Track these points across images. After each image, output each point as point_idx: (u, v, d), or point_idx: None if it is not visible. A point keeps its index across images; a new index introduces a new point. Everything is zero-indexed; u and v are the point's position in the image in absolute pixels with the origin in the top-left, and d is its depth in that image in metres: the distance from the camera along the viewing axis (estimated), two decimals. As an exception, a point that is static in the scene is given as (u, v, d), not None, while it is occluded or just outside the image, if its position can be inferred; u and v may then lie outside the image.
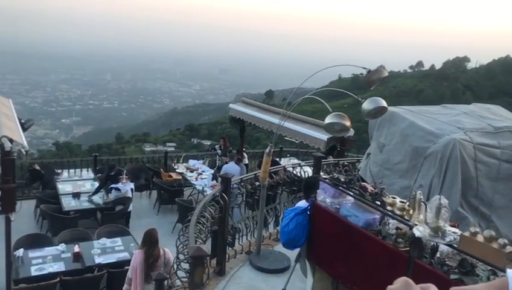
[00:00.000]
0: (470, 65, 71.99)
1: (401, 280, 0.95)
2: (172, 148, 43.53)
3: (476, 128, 5.43)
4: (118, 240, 7.48)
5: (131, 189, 9.82)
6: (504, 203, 5.19)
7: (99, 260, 6.79)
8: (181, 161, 12.62)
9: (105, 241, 7.34)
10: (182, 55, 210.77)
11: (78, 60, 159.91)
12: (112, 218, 9.03)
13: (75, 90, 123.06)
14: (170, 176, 11.56)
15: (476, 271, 2.79)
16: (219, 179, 8.04)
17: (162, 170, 12.03)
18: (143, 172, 12.15)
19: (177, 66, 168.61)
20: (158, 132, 67.82)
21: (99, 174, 11.02)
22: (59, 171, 11.36)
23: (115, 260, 6.87)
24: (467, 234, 2.82)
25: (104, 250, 7.11)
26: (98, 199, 9.59)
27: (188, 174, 11.41)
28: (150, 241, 5.23)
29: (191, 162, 12.39)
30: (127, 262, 6.95)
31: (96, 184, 10.03)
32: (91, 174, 11.38)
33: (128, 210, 9.42)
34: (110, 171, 9.65)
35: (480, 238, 2.75)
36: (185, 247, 4.72)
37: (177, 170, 11.86)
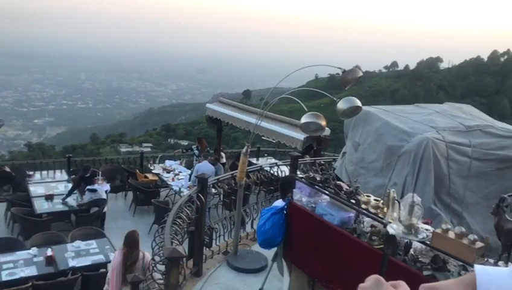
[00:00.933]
0: (443, 65, 73.86)
1: (373, 278, 0.95)
2: (149, 149, 43.07)
3: (448, 127, 5.56)
4: (93, 243, 7.34)
5: (107, 190, 9.66)
6: (475, 200, 5.33)
7: (73, 263, 6.64)
8: (157, 162, 12.48)
9: (80, 244, 7.18)
10: (158, 54, 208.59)
11: (52, 59, 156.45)
12: (87, 220, 8.85)
13: (48, 90, 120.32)
14: (146, 177, 11.41)
15: (448, 267, 2.85)
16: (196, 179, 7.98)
17: (137, 171, 11.87)
18: (118, 173, 11.95)
19: (153, 66, 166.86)
20: (134, 133, 66.97)
21: (73, 176, 10.78)
22: (31, 173, 11.07)
23: (89, 263, 6.74)
24: (438, 231, 2.88)
25: (78, 253, 6.96)
26: (72, 201, 9.38)
27: (165, 175, 11.29)
28: (131, 243, 5.20)
29: (168, 162, 12.25)
30: (102, 265, 6.84)
31: (70, 186, 9.82)
32: (65, 176, 11.13)
33: (103, 212, 9.26)
34: (84, 172, 9.46)
35: (451, 234, 2.81)
36: (160, 248, 4.67)
37: (153, 171, 11.71)
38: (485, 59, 70.04)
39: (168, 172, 11.41)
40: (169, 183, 10.78)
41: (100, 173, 10.08)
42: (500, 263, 2.70)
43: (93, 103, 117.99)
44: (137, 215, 10.35)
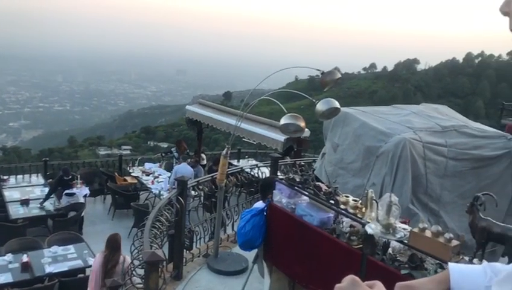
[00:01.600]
0: (420, 67, 75.23)
1: (349, 278, 0.96)
2: (128, 152, 42.52)
3: (424, 127, 5.66)
4: (71, 248, 7.20)
5: (86, 194, 9.51)
6: (451, 199, 5.43)
7: (50, 269, 6.50)
8: (136, 165, 12.34)
9: (57, 250, 7.04)
10: (137, 56, 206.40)
11: (27, 61, 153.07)
12: (64, 225, 8.68)
13: (23, 93, 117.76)
14: (125, 180, 11.27)
15: (425, 265, 2.89)
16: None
17: (116, 174, 11.71)
18: (97, 176, 11.77)
19: (132, 67, 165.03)
20: (113, 135, 66.12)
21: (50, 180, 10.57)
22: (5, 177, 10.79)
23: (67, 269, 6.61)
24: (416, 230, 2.92)
25: (56, 258, 6.82)
26: (49, 205, 9.19)
27: (144, 177, 11.16)
28: (112, 246, 5.21)
29: (147, 165, 12.13)
30: (80, 270, 6.72)
31: (47, 190, 9.62)
32: (41, 180, 10.90)
33: (81, 216, 9.10)
34: (65, 175, 9.27)
35: (428, 233, 2.86)
36: (139, 252, 4.61)
37: (132, 174, 11.57)
38: (460, 61, 71.73)
39: (148, 175, 11.29)
40: (148, 186, 10.67)
41: (79, 176, 9.92)
42: (474, 260, 2.76)
43: (71, 105, 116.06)
44: (116, 219, 10.21)
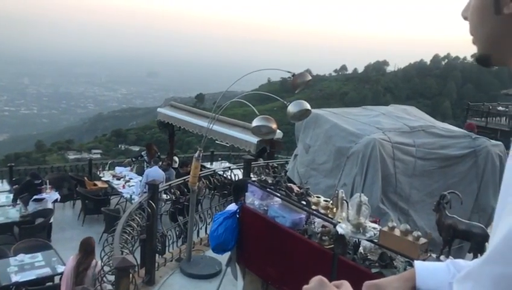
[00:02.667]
0: (389, 69, 76.95)
1: (316, 279, 0.96)
2: (98, 155, 41.67)
3: (393, 128, 5.78)
4: (38, 255, 6.98)
5: (57, 199, 9.27)
6: (420, 198, 5.55)
7: (16, 278, 6.27)
8: (107, 169, 12.10)
9: (24, 258, 6.81)
10: (107, 58, 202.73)
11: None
12: (31, 232, 8.41)
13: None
14: (95, 185, 11.03)
15: (395, 263, 2.95)
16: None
17: (86, 178, 11.45)
18: (66, 181, 11.46)
19: (102, 70, 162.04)
20: (82, 139, 64.70)
21: (16, 186, 10.23)
22: (-33, 184, 10.40)
23: (34, 277, 6.39)
24: (385, 229, 2.97)
25: (22, 267, 6.59)
26: (14, 212, 8.87)
27: (115, 182, 10.95)
28: (85, 249, 5.21)
29: (118, 169, 11.90)
30: (48, 278, 6.52)
31: (12, 197, 9.30)
32: (6, 186, 10.54)
33: (50, 222, 8.84)
34: (34, 179, 8.99)
35: (397, 232, 2.91)
36: (109, 258, 4.52)
37: (103, 178, 11.34)
38: (428, 62, 73.75)
39: (119, 179, 11.09)
40: (119, 190, 10.48)
41: (48, 181, 9.65)
42: (442, 257, 2.83)
43: (38, 109, 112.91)
44: (86, 224, 9.97)
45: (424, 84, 65.85)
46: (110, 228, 7.24)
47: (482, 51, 0.84)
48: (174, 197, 6.43)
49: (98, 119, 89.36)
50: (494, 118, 17.72)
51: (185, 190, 6.28)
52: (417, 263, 1.06)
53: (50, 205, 9.05)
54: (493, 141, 6.09)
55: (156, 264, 5.57)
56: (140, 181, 10.15)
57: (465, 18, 0.85)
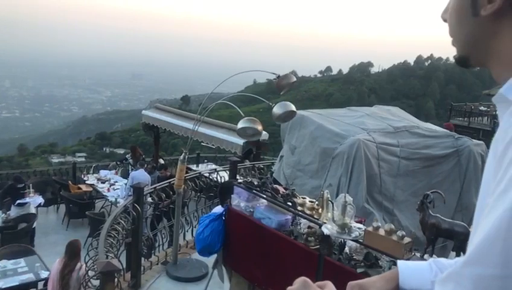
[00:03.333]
0: (374, 70, 77.64)
1: (300, 280, 0.97)
2: (83, 159, 41.16)
3: (377, 128, 5.83)
4: (21, 261, 6.85)
5: (40, 203, 9.13)
6: (404, 198, 5.61)
7: (-2, 284, 6.16)
8: (91, 172, 11.96)
9: (6, 264, 6.68)
10: (91, 60, 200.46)
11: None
12: (14, 237, 8.26)
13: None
14: (80, 188, 10.89)
15: (380, 263, 2.97)
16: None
17: (70, 182, 11.30)
18: (49, 185, 11.31)
19: (86, 72, 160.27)
20: (66, 142, 63.86)
21: (-2, 190, 10.04)
22: None
23: (17, 283, 6.28)
24: (370, 229, 2.99)
25: (5, 273, 6.47)
26: (-4, 217, 8.72)
27: (99, 185, 10.83)
28: (71, 251, 5.16)
29: (102, 172, 11.78)
30: (32, 284, 6.41)
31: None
32: (-13, 191, 10.32)
33: (33, 227, 8.70)
34: (17, 182, 8.83)
35: (381, 232, 2.94)
36: (94, 263, 4.46)
37: (87, 182, 11.21)
38: (412, 63, 74.65)
39: (103, 182, 10.97)
40: (104, 193, 10.37)
41: (31, 185, 9.50)
42: (425, 256, 2.86)
43: (20, 112, 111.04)
44: (70, 229, 9.84)
45: (408, 85, 66.65)
46: (95, 232, 7.15)
47: (461, 52, 0.85)
48: (158, 201, 6.38)
49: (82, 122, 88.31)
50: (476, 118, 18.03)
51: (163, 196, 6.17)
52: (400, 263, 1.07)
53: (33, 210, 8.91)
54: (475, 141, 6.19)
55: (142, 267, 5.53)
56: (126, 184, 10.06)
57: (445, 20, 0.87)
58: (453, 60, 0.89)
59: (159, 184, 6.98)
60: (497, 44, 0.77)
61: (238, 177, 7.72)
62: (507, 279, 0.60)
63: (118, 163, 12.37)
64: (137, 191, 5.39)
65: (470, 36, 0.81)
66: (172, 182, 6.30)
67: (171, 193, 6.24)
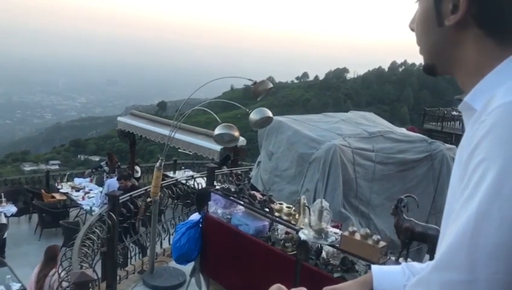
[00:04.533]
0: (349, 76, 78.76)
1: (274, 287, 0.97)
2: (57, 167, 40.24)
3: (353, 134, 5.91)
4: (-9, 274, 6.64)
5: (13, 212, 8.88)
6: (380, 202, 5.69)
7: (-33, 298, 5.95)
8: (65, 180, 11.71)
9: (-25, 276, 6.46)
10: (64, 65, 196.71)
11: None
12: (-17, 249, 8.02)
13: None
14: (53, 197, 10.65)
15: (356, 267, 3.00)
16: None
17: (43, 191, 11.03)
18: (21, 194, 11.01)
19: (59, 78, 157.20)
20: (39, 150, 62.39)
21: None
22: None
23: (-14, 297, 6.09)
24: (346, 233, 3.02)
25: (-27, 286, 6.26)
26: (-36, 228, 8.44)
27: (74, 193, 10.61)
28: (48, 256, 5.28)
29: (77, 180, 11.55)
30: (2, 297, 6.22)
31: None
32: (-44, 201, 9.97)
33: (3, 238, 8.44)
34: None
35: (357, 236, 2.96)
36: (68, 273, 4.35)
37: (61, 190, 10.96)
38: (386, 69, 76.07)
39: (78, 190, 10.77)
40: (79, 202, 10.16)
41: (2, 194, 9.23)
42: (400, 259, 2.90)
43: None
44: (44, 239, 9.58)
45: (383, 91, 67.87)
46: (69, 242, 7.00)
47: (428, 61, 0.88)
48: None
49: (55, 129, 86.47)
50: (449, 123, 18.46)
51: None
52: (374, 267, 1.09)
53: (3, 220, 8.65)
54: (448, 145, 6.34)
55: (118, 277, 5.42)
56: (101, 192, 9.89)
57: (412, 29, 0.89)
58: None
59: (139, 190, 6.86)
60: (461, 53, 0.79)
61: (215, 183, 7.68)
62: (473, 284, 0.62)
63: (94, 170, 12.16)
64: (112, 199, 5.29)
65: (436, 46, 0.83)
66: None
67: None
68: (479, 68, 0.77)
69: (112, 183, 8.79)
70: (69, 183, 11.42)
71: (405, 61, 76.33)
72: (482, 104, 0.72)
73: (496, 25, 0.75)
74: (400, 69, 75.20)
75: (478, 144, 0.67)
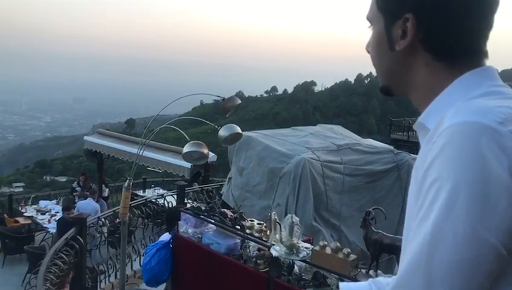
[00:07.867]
0: (317, 88, 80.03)
1: None
2: (21, 189, 38.83)
3: (321, 147, 5.99)
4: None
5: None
6: (350, 213, 5.76)
7: None
8: (30, 203, 11.29)
9: None
10: (27, 84, 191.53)
11: None
12: None
13: None
14: (17, 221, 10.23)
15: (328, 281, 3.00)
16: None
17: (6, 215, 10.59)
18: (-19, 220, 10.53)
19: (22, 97, 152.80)
20: (2, 172, 60.06)
21: None
22: None
23: None
24: (317, 248, 3.03)
25: None
26: None
27: (39, 217, 10.23)
28: None
29: (42, 203, 11.15)
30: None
31: None
32: None
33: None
34: None
35: (328, 250, 2.98)
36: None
37: (25, 214, 10.55)
38: (352, 82, 77.81)
39: (44, 213, 10.38)
40: (45, 225, 9.79)
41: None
42: (371, 271, 2.94)
43: None
44: (7, 266, 9.15)
45: (350, 102, 69.24)
46: (34, 268, 6.72)
47: (383, 82, 0.91)
48: (106, 229, 6.12)
49: (19, 150, 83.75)
50: (414, 132, 18.91)
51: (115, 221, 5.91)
52: (341, 284, 1.11)
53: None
54: (413, 155, 6.50)
55: (87, 303, 5.24)
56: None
57: (369, 52, 0.92)
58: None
59: (107, 211, 6.69)
60: (413, 76, 0.83)
61: (186, 201, 7.59)
62: None
63: (72, 195, 11.72)
64: (79, 222, 5.14)
65: (389, 69, 0.86)
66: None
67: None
68: (430, 90, 0.80)
69: (82, 205, 8.52)
70: (33, 206, 11.01)
71: (370, 73, 78.26)
72: (434, 124, 0.75)
73: (442, 49, 0.78)
74: (366, 81, 77.03)
75: (431, 164, 0.69)
